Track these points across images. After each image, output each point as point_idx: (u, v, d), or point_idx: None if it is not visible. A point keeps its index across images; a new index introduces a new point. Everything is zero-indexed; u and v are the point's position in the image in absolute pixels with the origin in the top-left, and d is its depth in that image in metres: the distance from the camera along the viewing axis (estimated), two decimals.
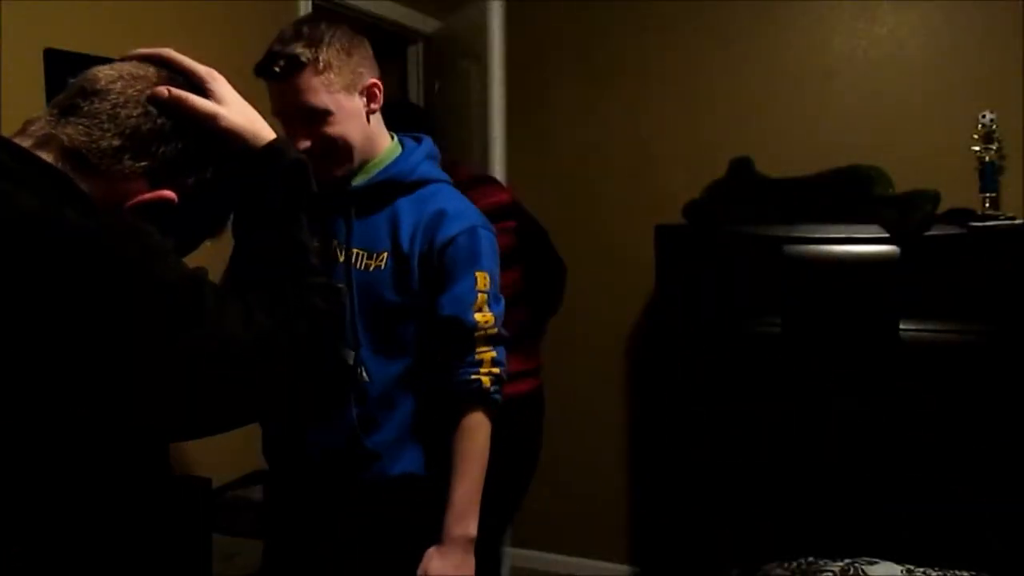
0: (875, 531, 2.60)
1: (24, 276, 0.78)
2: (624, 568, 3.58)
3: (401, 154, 1.66)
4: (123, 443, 0.87)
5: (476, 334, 1.60)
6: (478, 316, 1.59)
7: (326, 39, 1.55)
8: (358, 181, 1.62)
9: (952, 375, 2.61)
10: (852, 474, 2.70)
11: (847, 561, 1.94)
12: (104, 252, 0.81)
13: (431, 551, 1.60)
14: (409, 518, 1.63)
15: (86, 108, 0.94)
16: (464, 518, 1.59)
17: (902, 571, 1.92)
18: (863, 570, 1.91)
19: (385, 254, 1.58)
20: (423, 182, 1.64)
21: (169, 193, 0.95)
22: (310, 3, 2.96)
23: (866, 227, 2.71)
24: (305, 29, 1.56)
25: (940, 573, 1.90)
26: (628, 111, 3.52)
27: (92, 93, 0.95)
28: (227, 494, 2.49)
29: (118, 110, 0.94)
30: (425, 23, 3.63)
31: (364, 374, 1.58)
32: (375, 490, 1.62)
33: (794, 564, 1.98)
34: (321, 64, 1.53)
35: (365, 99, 1.59)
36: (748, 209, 2.93)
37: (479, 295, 1.60)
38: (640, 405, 3.54)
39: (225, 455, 2.46)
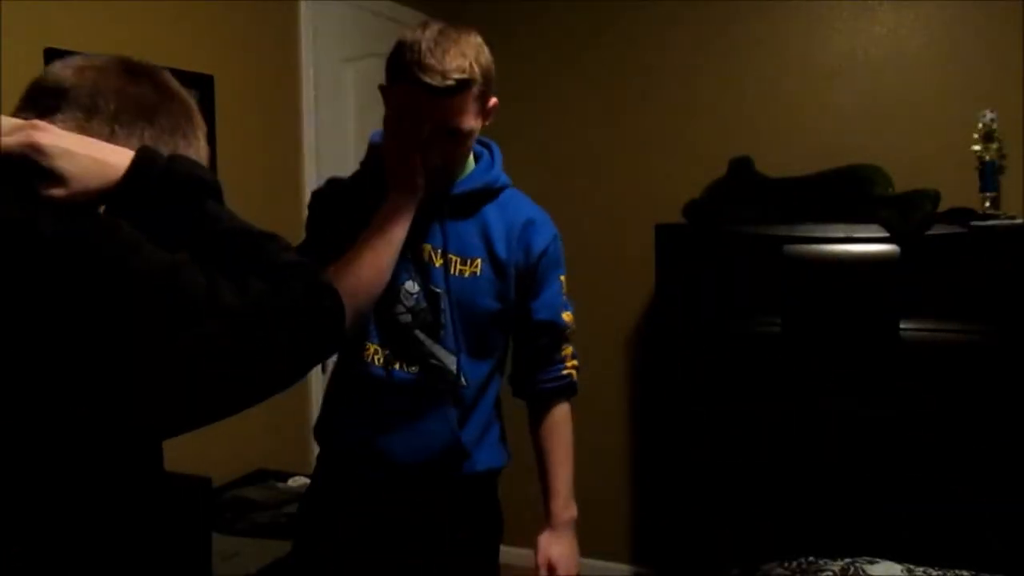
0: (875, 531, 2.60)
1: (15, 283, 0.78)
2: (624, 568, 3.58)
3: (482, 164, 1.66)
4: (124, 442, 0.87)
5: (565, 333, 1.71)
6: (565, 317, 1.71)
7: (483, 59, 1.49)
8: (448, 189, 1.61)
9: (952, 375, 2.61)
10: (852, 474, 2.70)
11: (847, 561, 1.94)
12: (90, 252, 0.81)
13: (546, 537, 1.72)
14: (495, 510, 1.75)
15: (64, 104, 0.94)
16: (570, 502, 1.77)
17: (902, 571, 1.92)
18: (863, 570, 1.91)
19: (479, 261, 1.59)
20: (503, 188, 1.67)
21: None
22: (310, 3, 2.96)
23: (866, 227, 2.71)
24: (463, 42, 1.47)
25: (940, 573, 1.90)
26: (628, 111, 3.52)
27: (62, 91, 0.95)
28: (227, 494, 2.49)
29: (97, 99, 0.95)
30: None
31: (462, 379, 1.61)
32: (467, 486, 1.68)
33: (794, 564, 1.98)
34: (478, 89, 1.48)
35: (483, 118, 1.56)
36: (748, 209, 2.93)
37: (563, 297, 1.71)
38: (640, 405, 3.54)
39: (225, 455, 2.47)
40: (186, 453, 2.34)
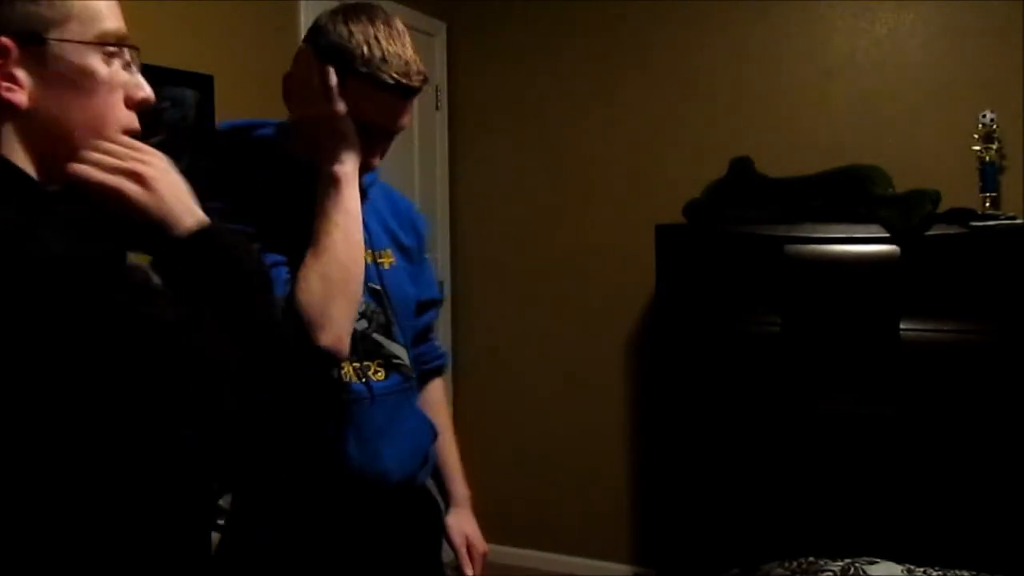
0: (875, 531, 2.60)
1: (13, 300, 0.76)
2: (624, 568, 3.58)
3: None
4: (123, 445, 0.87)
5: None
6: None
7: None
8: None
9: (952, 375, 2.61)
10: (852, 474, 2.70)
11: (847, 561, 1.94)
12: (78, 284, 0.77)
13: (455, 517, 1.70)
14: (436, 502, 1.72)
15: None
16: (464, 478, 1.73)
17: (902, 571, 1.91)
18: (863, 570, 1.90)
19: (389, 251, 1.56)
20: None
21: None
22: (310, 3, 2.96)
23: (866, 227, 2.71)
24: (404, 33, 1.38)
25: (940, 573, 1.90)
26: (628, 111, 3.52)
27: None
28: (227, 494, 2.49)
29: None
30: (431, 24, 3.63)
31: (414, 370, 1.58)
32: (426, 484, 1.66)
33: (794, 564, 1.98)
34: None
35: None
36: (748, 209, 2.94)
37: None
38: (640, 405, 3.54)
39: None
40: None
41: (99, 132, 0.90)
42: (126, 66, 0.93)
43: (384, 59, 1.32)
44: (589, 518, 3.63)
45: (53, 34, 0.85)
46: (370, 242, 1.49)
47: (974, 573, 1.94)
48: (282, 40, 2.89)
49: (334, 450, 1.47)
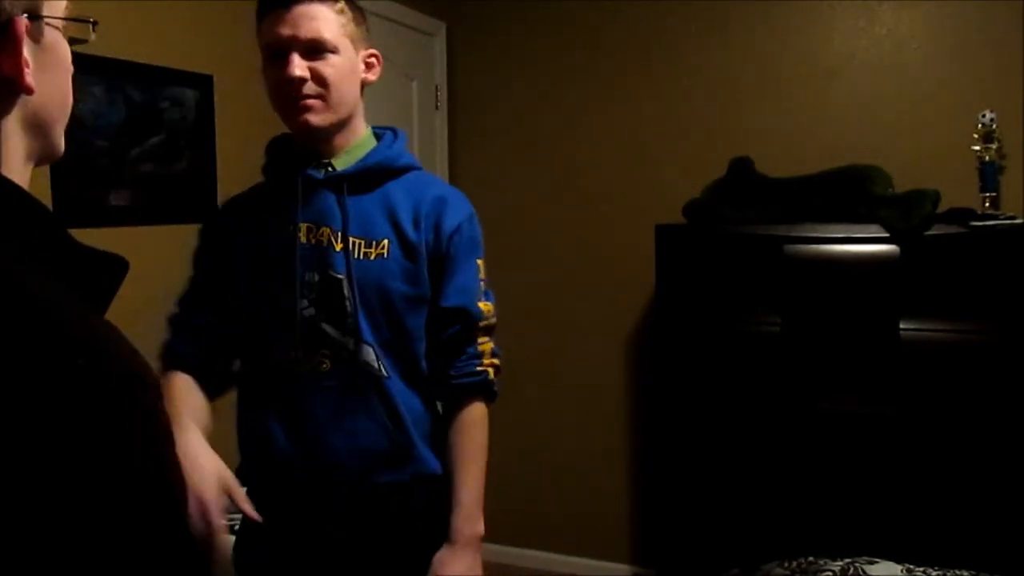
0: (875, 531, 2.60)
1: None
2: (624, 568, 3.58)
3: (383, 141, 1.59)
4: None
5: (480, 324, 1.56)
6: (481, 306, 1.56)
7: None
8: (345, 166, 1.53)
9: (952, 375, 2.61)
10: (852, 474, 2.70)
11: (847, 561, 1.94)
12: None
13: (443, 554, 1.51)
14: (432, 518, 1.55)
15: None
16: (474, 517, 1.53)
17: (902, 571, 1.91)
18: (863, 570, 1.90)
19: (386, 242, 1.49)
20: (409, 168, 1.58)
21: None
22: None
23: (866, 227, 2.71)
24: None
25: (940, 573, 1.90)
26: (628, 110, 3.52)
27: None
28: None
29: None
30: (431, 24, 3.63)
31: (381, 368, 1.49)
32: (409, 490, 1.53)
33: (794, 564, 1.98)
34: (339, 4, 1.48)
35: (364, 65, 1.53)
36: (748, 209, 2.94)
37: (480, 283, 1.58)
38: (640, 405, 3.54)
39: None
40: None
41: (66, 116, 0.81)
42: None
43: None
44: (589, 518, 3.63)
45: (45, 10, 0.75)
46: (346, 228, 1.48)
47: (974, 573, 1.94)
48: None
49: (264, 431, 1.50)
